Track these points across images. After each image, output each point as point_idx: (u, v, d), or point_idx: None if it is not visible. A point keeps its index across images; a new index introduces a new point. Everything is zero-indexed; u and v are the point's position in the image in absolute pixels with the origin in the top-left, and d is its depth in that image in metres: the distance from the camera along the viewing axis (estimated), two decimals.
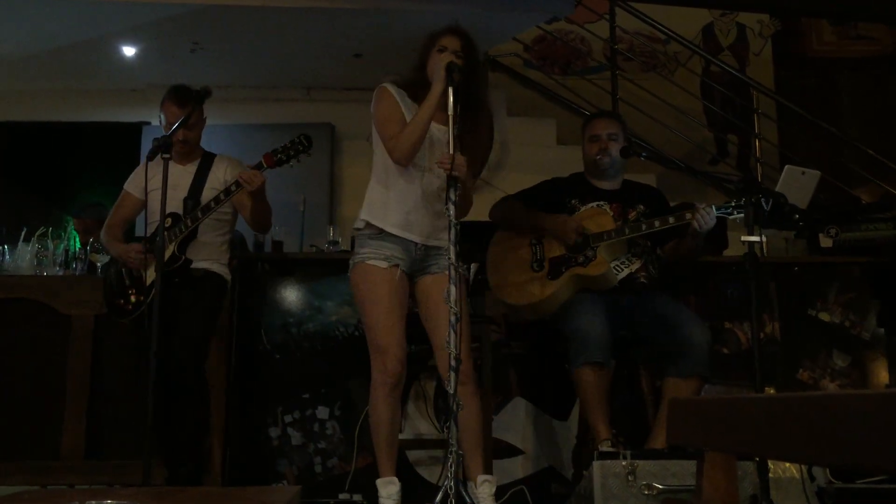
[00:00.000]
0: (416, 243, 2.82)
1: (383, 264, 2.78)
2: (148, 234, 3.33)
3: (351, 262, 2.87)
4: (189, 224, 3.23)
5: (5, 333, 3.76)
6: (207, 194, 3.32)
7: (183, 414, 3.20)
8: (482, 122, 2.88)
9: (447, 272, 2.77)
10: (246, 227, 3.58)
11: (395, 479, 2.79)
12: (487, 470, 2.88)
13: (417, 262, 2.85)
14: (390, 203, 2.82)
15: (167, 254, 3.19)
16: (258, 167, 3.14)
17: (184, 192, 3.32)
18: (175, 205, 3.27)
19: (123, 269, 3.35)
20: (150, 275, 3.16)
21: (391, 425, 2.79)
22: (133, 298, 3.29)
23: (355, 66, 5.52)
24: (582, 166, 3.51)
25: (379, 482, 2.80)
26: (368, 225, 2.83)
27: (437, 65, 2.72)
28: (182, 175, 3.35)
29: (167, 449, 3.23)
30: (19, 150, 6.24)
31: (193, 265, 3.26)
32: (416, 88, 2.87)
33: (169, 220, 3.23)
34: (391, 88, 2.88)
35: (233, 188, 3.17)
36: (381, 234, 2.81)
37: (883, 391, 0.82)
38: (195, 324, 3.22)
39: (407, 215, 2.81)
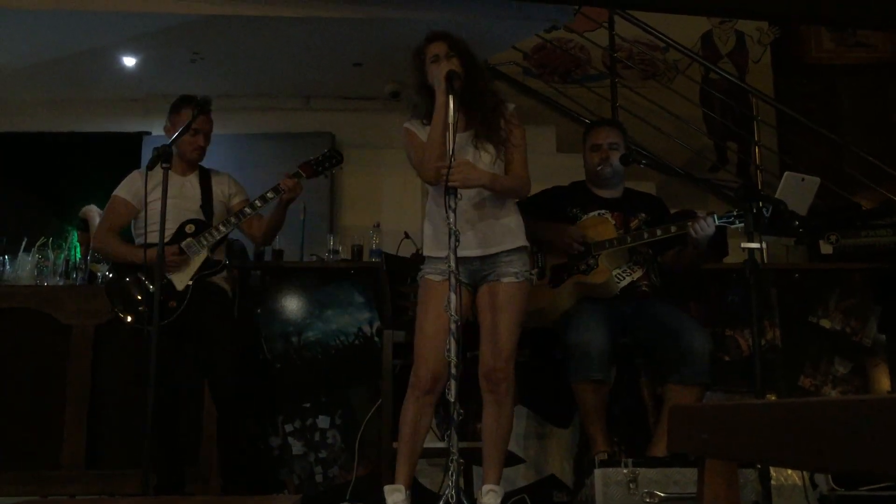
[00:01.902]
0: (470, 257, 2.84)
1: (437, 278, 2.82)
2: (147, 241, 3.32)
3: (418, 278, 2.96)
4: (222, 230, 3.28)
5: (6, 343, 3.76)
6: (217, 207, 3.39)
7: (186, 421, 3.24)
8: (495, 105, 2.91)
9: (503, 280, 2.82)
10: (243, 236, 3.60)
11: (402, 488, 2.78)
12: (498, 480, 2.86)
13: (476, 272, 2.88)
14: (439, 227, 2.83)
15: (200, 260, 3.25)
16: (296, 176, 3.27)
17: (197, 202, 3.36)
18: (191, 214, 3.32)
19: (143, 277, 3.26)
20: (181, 280, 3.22)
21: (413, 428, 2.82)
22: (167, 304, 3.20)
23: (355, 75, 5.53)
24: (581, 174, 3.52)
25: (386, 488, 2.79)
26: (429, 257, 2.91)
27: (437, 76, 2.75)
28: (187, 186, 3.38)
29: (166, 453, 3.23)
30: (19, 161, 6.24)
31: (206, 279, 3.30)
32: (430, 109, 2.89)
33: (192, 226, 3.29)
34: (409, 126, 2.96)
35: (269, 195, 3.25)
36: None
37: (885, 396, 0.82)
38: (231, 335, 3.29)
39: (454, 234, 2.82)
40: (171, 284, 3.21)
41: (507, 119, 2.91)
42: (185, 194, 3.34)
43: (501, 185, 2.83)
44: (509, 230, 2.88)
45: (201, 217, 3.34)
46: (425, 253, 2.93)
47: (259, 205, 3.29)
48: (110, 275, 3.38)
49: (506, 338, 2.80)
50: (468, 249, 2.79)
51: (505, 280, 2.83)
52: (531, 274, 2.90)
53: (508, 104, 2.96)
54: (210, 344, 3.24)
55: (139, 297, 3.26)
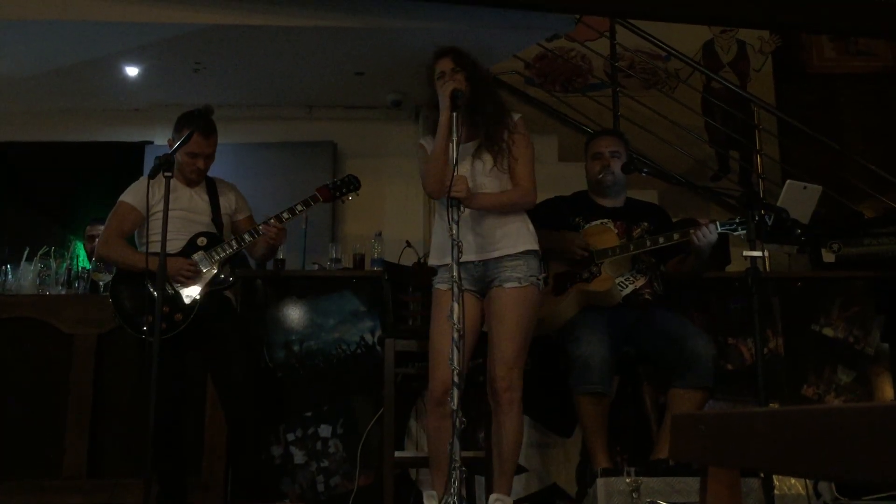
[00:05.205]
0: (473, 262, 2.87)
1: (444, 287, 2.87)
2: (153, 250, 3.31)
3: None
4: (234, 246, 3.29)
5: (8, 352, 3.76)
6: (224, 219, 3.40)
7: (179, 430, 3.23)
8: (499, 117, 2.93)
9: (506, 285, 2.84)
10: None
11: (435, 494, 2.87)
12: (507, 490, 2.86)
13: (481, 279, 2.91)
14: (441, 237, 2.91)
15: (210, 274, 3.25)
16: (313, 200, 3.34)
17: (208, 215, 3.35)
18: (202, 227, 3.32)
19: (150, 286, 3.14)
20: (189, 293, 3.21)
21: (435, 440, 2.83)
22: (173, 317, 3.19)
23: (357, 84, 5.54)
24: (583, 184, 3.52)
25: (424, 494, 2.94)
26: (436, 265, 2.98)
27: (441, 94, 2.81)
28: (195, 198, 3.36)
29: (168, 463, 3.22)
30: (22, 170, 6.25)
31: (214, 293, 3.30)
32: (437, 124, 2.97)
33: (203, 239, 3.29)
34: (423, 142, 3.03)
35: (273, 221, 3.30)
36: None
37: (889, 403, 0.82)
38: (241, 344, 3.30)
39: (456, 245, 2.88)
40: (178, 297, 3.20)
41: (512, 129, 2.93)
42: (194, 207, 3.33)
43: (502, 204, 2.87)
44: (510, 234, 2.88)
45: (213, 230, 3.34)
46: (430, 262, 2.99)
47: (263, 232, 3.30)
48: (115, 281, 3.32)
49: (506, 345, 2.79)
50: (467, 254, 2.80)
51: (508, 286, 2.84)
52: (538, 279, 2.89)
53: (514, 114, 2.98)
54: (221, 354, 3.23)
55: (137, 307, 3.22)
